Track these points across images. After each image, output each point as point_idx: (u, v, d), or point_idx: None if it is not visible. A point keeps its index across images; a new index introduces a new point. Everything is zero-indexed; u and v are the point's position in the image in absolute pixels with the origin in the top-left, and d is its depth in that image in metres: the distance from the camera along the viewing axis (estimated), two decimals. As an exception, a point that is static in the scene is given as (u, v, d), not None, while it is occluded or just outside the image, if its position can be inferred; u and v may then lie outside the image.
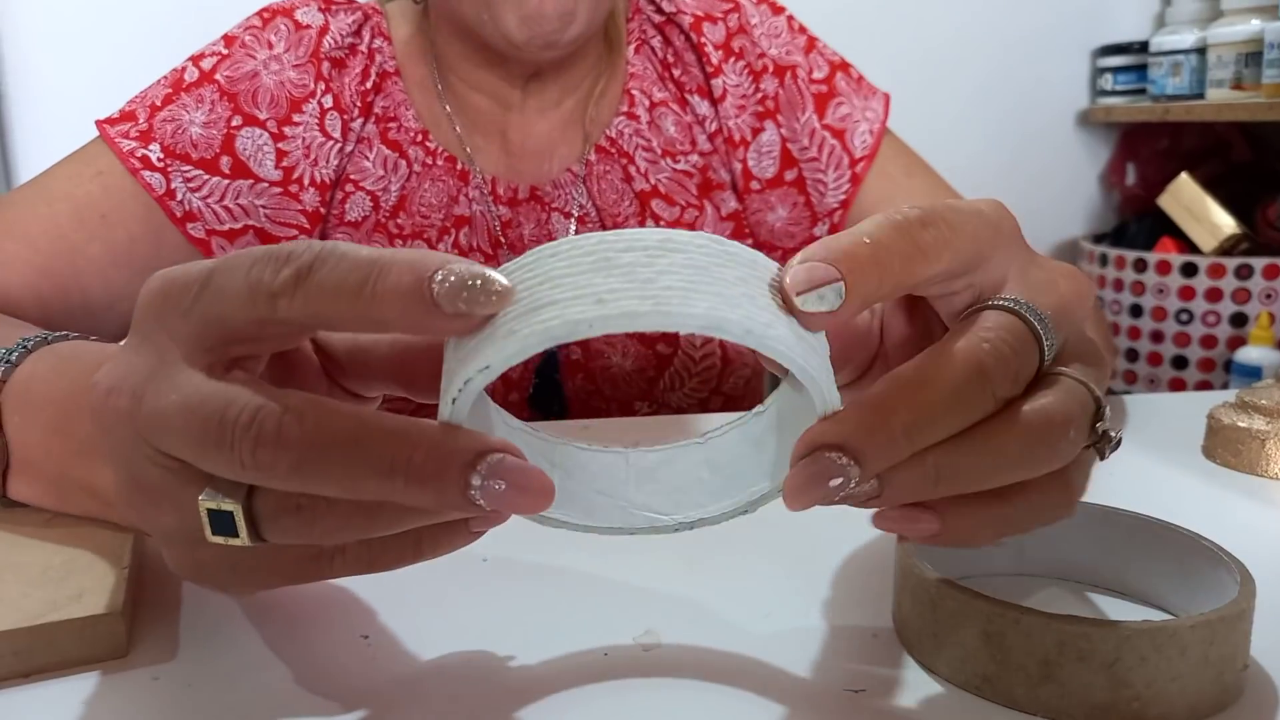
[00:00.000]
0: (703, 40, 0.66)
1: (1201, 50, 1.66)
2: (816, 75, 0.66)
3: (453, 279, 0.22)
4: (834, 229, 0.66)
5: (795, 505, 0.23)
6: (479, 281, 0.22)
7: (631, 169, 0.65)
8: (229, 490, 0.24)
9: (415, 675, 0.29)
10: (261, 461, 0.22)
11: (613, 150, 0.65)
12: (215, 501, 0.24)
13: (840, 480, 0.23)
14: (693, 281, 0.22)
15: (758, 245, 0.68)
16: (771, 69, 0.66)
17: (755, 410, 0.29)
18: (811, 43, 0.68)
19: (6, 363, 0.36)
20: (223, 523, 0.24)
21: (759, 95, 0.66)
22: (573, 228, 0.64)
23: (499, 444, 0.22)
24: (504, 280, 0.22)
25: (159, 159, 0.58)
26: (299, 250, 0.23)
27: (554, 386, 0.65)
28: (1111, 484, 0.45)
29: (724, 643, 0.30)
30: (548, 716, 0.27)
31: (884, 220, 0.25)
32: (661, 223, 0.65)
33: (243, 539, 0.24)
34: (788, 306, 0.23)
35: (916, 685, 0.28)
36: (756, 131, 0.66)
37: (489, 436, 0.23)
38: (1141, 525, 0.32)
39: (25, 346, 0.37)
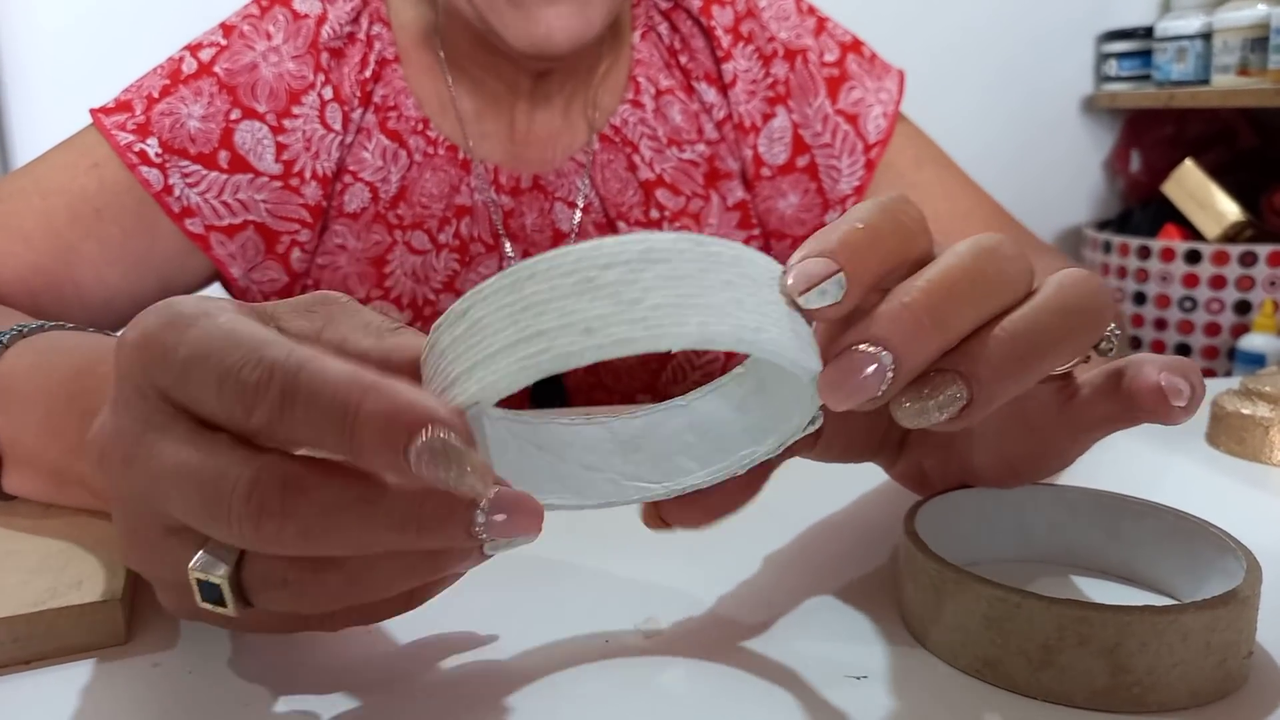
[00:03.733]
0: (713, 24, 0.65)
1: (1207, 36, 1.65)
2: (828, 58, 0.65)
3: (437, 457, 0.21)
4: None
5: (836, 402, 0.24)
6: (458, 469, 0.21)
7: (636, 158, 0.64)
8: (222, 556, 0.24)
9: (416, 662, 0.29)
10: (266, 535, 0.22)
11: (617, 139, 0.64)
12: (204, 573, 0.24)
13: (874, 368, 0.24)
14: (680, 296, 0.22)
15: (767, 233, 0.67)
16: (782, 53, 0.65)
17: (735, 373, 0.29)
18: (821, 24, 0.67)
19: None
20: (211, 592, 0.24)
21: (769, 80, 0.65)
22: (576, 217, 0.64)
23: (494, 478, 0.23)
24: (479, 464, 0.21)
25: (157, 154, 0.58)
26: (263, 380, 0.22)
27: (554, 379, 0.65)
28: (1115, 470, 0.44)
29: (725, 629, 0.30)
30: (549, 703, 0.27)
31: (872, 205, 0.26)
32: (666, 213, 0.64)
33: (230, 610, 0.24)
34: (792, 301, 0.23)
35: (919, 671, 0.28)
36: (767, 117, 0.65)
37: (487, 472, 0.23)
38: (1149, 511, 0.32)
39: (2, 342, 0.37)
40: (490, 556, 0.25)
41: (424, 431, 0.21)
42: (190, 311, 0.24)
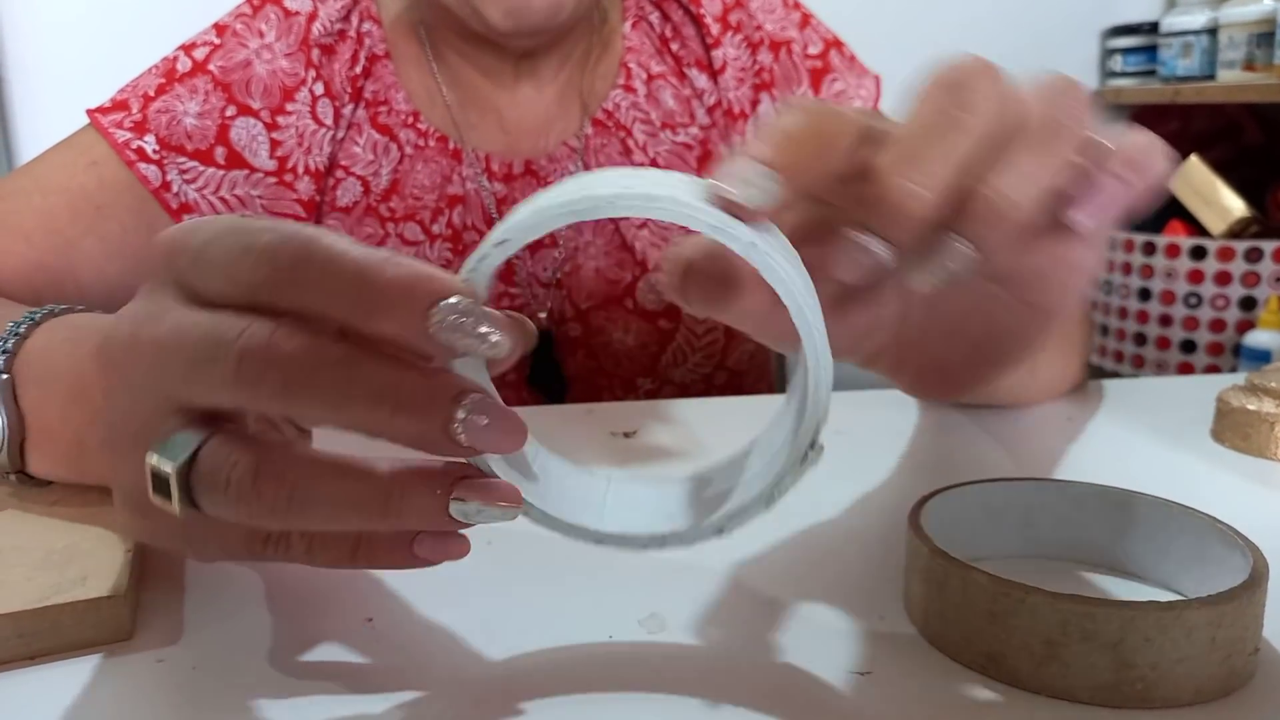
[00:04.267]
0: (702, 12, 0.66)
1: (1213, 31, 1.64)
2: (811, 51, 0.67)
3: (461, 317, 0.22)
4: None
5: (842, 272, 0.25)
6: (489, 327, 0.23)
7: (630, 142, 0.64)
8: (179, 447, 0.24)
9: (418, 658, 0.29)
10: (246, 374, 0.23)
11: (610, 123, 0.64)
12: (159, 460, 0.24)
13: (869, 253, 0.25)
14: (675, 183, 0.24)
15: None
16: (767, 43, 0.66)
17: (743, 448, 0.29)
18: (806, 19, 0.68)
19: (15, 335, 0.36)
20: (161, 486, 0.24)
21: (756, 68, 0.66)
22: None
23: (483, 387, 0.23)
24: (503, 321, 0.23)
25: (154, 150, 0.58)
26: (271, 244, 0.23)
27: (553, 365, 0.65)
28: (1119, 466, 0.44)
29: (729, 625, 0.30)
30: (552, 700, 0.27)
31: (790, 109, 0.27)
32: None
33: (175, 505, 0.24)
34: (727, 206, 0.24)
35: (924, 666, 0.28)
36: (755, 104, 0.66)
37: (474, 380, 0.24)
38: (1156, 508, 0.32)
39: (33, 319, 0.37)
40: (457, 537, 0.25)
41: (438, 305, 0.22)
42: (208, 216, 0.26)
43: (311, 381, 0.23)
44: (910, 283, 0.26)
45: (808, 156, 0.25)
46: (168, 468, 0.24)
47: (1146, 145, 0.27)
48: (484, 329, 0.22)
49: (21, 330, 0.37)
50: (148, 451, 0.24)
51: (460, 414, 0.23)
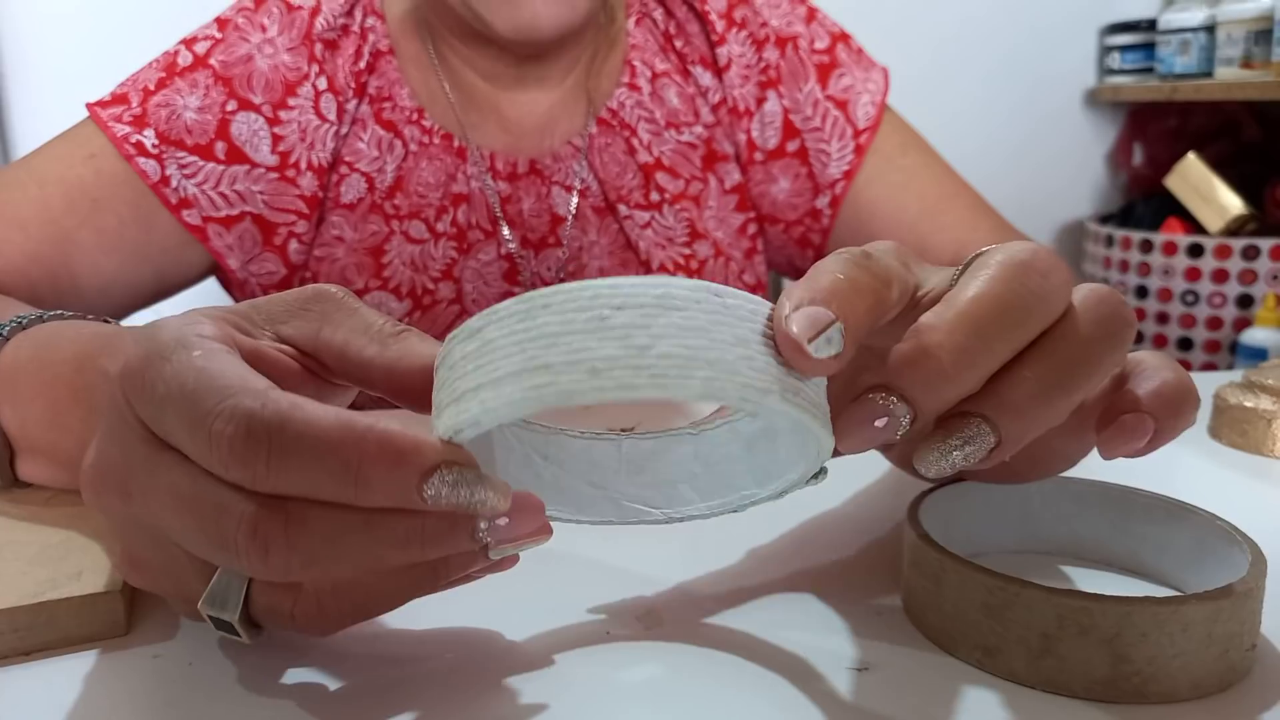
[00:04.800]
0: (707, 9, 0.65)
1: (1210, 28, 1.64)
2: (818, 45, 0.66)
3: (454, 488, 0.22)
4: (835, 201, 0.66)
5: (846, 447, 0.24)
6: (483, 492, 0.23)
7: (635, 141, 0.64)
8: (231, 591, 0.25)
9: (416, 653, 0.29)
10: (274, 567, 0.23)
11: (614, 122, 0.64)
12: (216, 611, 0.25)
13: (886, 421, 0.23)
14: (690, 348, 0.21)
15: (760, 218, 0.68)
16: (773, 39, 0.65)
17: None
18: (811, 13, 0.67)
19: None
20: (224, 626, 0.26)
21: (762, 65, 0.65)
22: (574, 201, 0.64)
23: (508, 490, 0.23)
24: (502, 488, 0.23)
25: (153, 145, 0.58)
26: (238, 438, 0.22)
27: None
28: (1116, 463, 0.44)
29: (727, 621, 0.30)
30: (550, 695, 0.27)
31: (838, 258, 0.25)
32: (666, 195, 0.64)
33: (244, 640, 0.26)
34: (791, 355, 0.22)
35: (921, 660, 0.28)
36: (760, 101, 0.65)
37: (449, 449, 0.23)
38: (1157, 504, 0.32)
39: (2, 334, 0.37)
40: (498, 561, 0.26)
41: (435, 470, 0.22)
42: (168, 342, 0.24)
43: (337, 554, 0.23)
44: (920, 463, 0.25)
45: (867, 311, 0.24)
46: (229, 617, 0.25)
47: (1182, 390, 0.27)
48: (479, 495, 0.22)
49: None
50: (199, 603, 0.25)
51: (483, 525, 0.23)
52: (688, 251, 0.65)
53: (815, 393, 0.23)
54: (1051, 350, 0.25)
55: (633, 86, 0.65)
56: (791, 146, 0.66)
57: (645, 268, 0.64)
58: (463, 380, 0.22)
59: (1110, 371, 0.26)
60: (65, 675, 0.28)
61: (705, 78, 0.66)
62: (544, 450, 0.28)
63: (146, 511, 0.24)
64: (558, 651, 0.29)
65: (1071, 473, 0.34)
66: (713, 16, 0.65)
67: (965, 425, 0.24)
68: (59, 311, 0.40)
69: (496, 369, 0.22)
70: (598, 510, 0.28)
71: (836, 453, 0.25)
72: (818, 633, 0.29)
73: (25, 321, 0.38)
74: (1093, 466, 0.37)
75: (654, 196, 0.64)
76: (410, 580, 0.25)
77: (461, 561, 0.25)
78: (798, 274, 0.71)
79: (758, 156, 0.66)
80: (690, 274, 0.65)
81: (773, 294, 1.17)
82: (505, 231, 0.63)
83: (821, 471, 0.26)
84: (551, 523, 0.27)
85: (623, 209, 0.64)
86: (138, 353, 0.25)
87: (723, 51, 0.65)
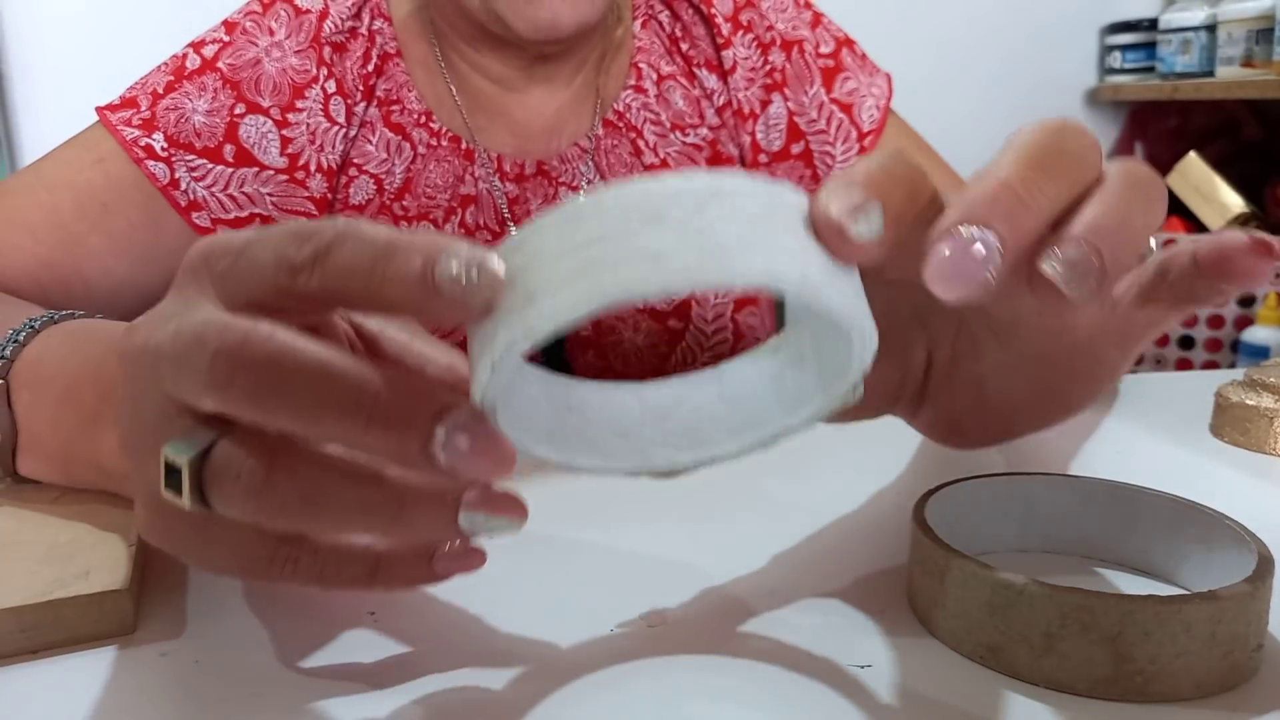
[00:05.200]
0: (713, 11, 0.66)
1: (1211, 27, 1.64)
2: (823, 50, 0.66)
3: (453, 265, 0.21)
4: None
5: (947, 291, 0.22)
6: (475, 271, 0.21)
7: (640, 143, 0.65)
8: (193, 443, 0.24)
9: (421, 652, 0.29)
10: (217, 376, 0.22)
11: (620, 124, 0.65)
12: (174, 453, 0.24)
13: (982, 250, 0.22)
14: (747, 234, 0.21)
15: None
16: (779, 42, 0.66)
17: (770, 343, 0.28)
18: (817, 18, 0.68)
19: (14, 343, 0.37)
20: (173, 480, 0.24)
21: (767, 68, 0.66)
22: None
23: (469, 404, 0.22)
24: (498, 269, 0.21)
25: (163, 148, 0.58)
26: (324, 229, 0.23)
27: (561, 364, 0.65)
28: (1119, 462, 0.45)
29: (732, 619, 0.30)
30: (556, 695, 0.27)
31: (870, 158, 0.25)
32: None
33: (185, 499, 0.24)
34: (830, 238, 0.22)
35: (925, 657, 0.28)
36: (765, 104, 0.66)
37: (455, 393, 0.22)
38: (1163, 503, 0.32)
39: (33, 326, 0.38)
40: (475, 550, 0.25)
41: (447, 251, 0.21)
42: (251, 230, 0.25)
43: (283, 385, 0.22)
44: (1043, 265, 0.23)
45: (903, 198, 0.23)
46: (181, 460, 0.23)
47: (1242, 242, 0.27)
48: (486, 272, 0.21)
49: (21, 338, 0.37)
50: (163, 446, 0.24)
51: (440, 433, 0.21)
52: None
53: (860, 289, 0.23)
54: (1105, 190, 0.25)
55: (639, 89, 0.65)
56: (796, 149, 0.66)
57: None
58: (513, 295, 0.21)
59: (1158, 216, 0.26)
60: (73, 674, 0.28)
61: (710, 80, 0.66)
62: (569, 401, 0.28)
63: (155, 343, 0.24)
64: (561, 650, 0.29)
65: (1077, 471, 0.34)
66: (719, 19, 0.65)
67: (1069, 248, 0.23)
68: (87, 313, 0.40)
69: (551, 275, 0.21)
70: (626, 459, 0.27)
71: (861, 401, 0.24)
72: (822, 630, 0.30)
73: (58, 317, 0.38)
74: (1097, 465, 0.37)
75: None
76: (360, 499, 0.23)
77: (421, 513, 0.23)
78: None
79: (762, 159, 0.66)
80: None
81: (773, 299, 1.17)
82: (513, 233, 0.64)
83: (858, 386, 0.25)
84: (566, 494, 0.27)
85: None
86: (214, 238, 0.25)
87: (728, 54, 0.65)
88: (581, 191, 0.64)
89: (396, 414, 0.22)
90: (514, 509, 0.24)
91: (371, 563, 0.26)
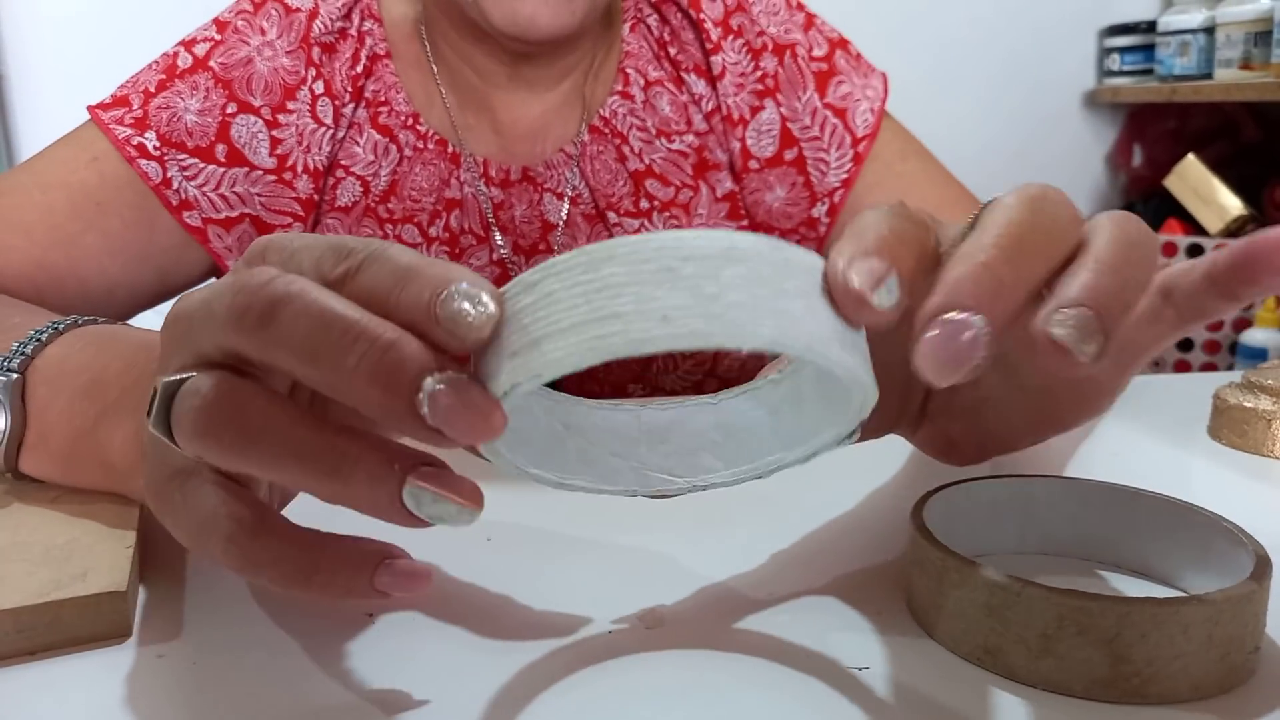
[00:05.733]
0: (702, 16, 0.65)
1: (1210, 30, 1.65)
2: (816, 53, 0.66)
3: (454, 301, 0.22)
4: (833, 209, 0.66)
5: (941, 377, 0.22)
6: (474, 308, 0.22)
7: (625, 149, 0.64)
8: (175, 378, 0.25)
9: (419, 653, 0.29)
10: (235, 309, 0.23)
11: (606, 130, 0.64)
12: (159, 382, 0.25)
13: (970, 334, 0.22)
14: (757, 298, 0.21)
15: (755, 226, 0.68)
16: (771, 47, 0.65)
17: (771, 378, 0.28)
18: (810, 20, 0.67)
19: (36, 341, 0.37)
20: (150, 406, 0.25)
21: (758, 74, 0.65)
22: (565, 209, 0.64)
23: (460, 364, 0.23)
24: (494, 311, 0.22)
25: (155, 147, 0.58)
26: (357, 249, 0.24)
27: None
28: (1116, 464, 0.45)
29: (729, 620, 0.30)
30: (553, 694, 0.27)
31: (878, 212, 0.25)
32: (656, 203, 0.64)
33: (151, 418, 0.25)
34: (848, 306, 0.22)
35: (923, 659, 0.28)
36: (756, 110, 0.65)
37: (452, 360, 0.23)
38: (1162, 505, 0.32)
39: (56, 328, 0.38)
40: (421, 571, 0.25)
41: (453, 286, 0.22)
42: (315, 234, 0.27)
43: (290, 322, 0.23)
44: (1044, 327, 0.23)
45: (914, 262, 0.24)
46: (158, 384, 0.25)
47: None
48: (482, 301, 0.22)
49: (44, 338, 0.37)
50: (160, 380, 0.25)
51: (428, 384, 0.22)
52: None
53: (864, 346, 0.24)
54: (1098, 249, 0.25)
55: (625, 94, 0.65)
56: (789, 155, 0.66)
57: None
58: (520, 335, 0.22)
59: (1150, 272, 0.26)
60: (70, 675, 0.28)
61: (699, 86, 0.65)
62: (566, 419, 0.28)
63: (185, 311, 0.26)
64: (558, 651, 0.29)
65: (1075, 473, 0.34)
66: (708, 25, 0.65)
67: (1078, 316, 0.23)
68: (108, 319, 0.41)
69: (560, 320, 0.21)
70: (622, 480, 0.28)
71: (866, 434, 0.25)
72: (820, 631, 0.30)
73: (83, 321, 0.39)
74: (1095, 467, 0.37)
75: (643, 204, 0.64)
76: (306, 445, 0.23)
77: (364, 476, 0.23)
78: None
79: (753, 164, 0.66)
80: None
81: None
82: (497, 238, 0.64)
83: (855, 432, 0.26)
84: (575, 493, 0.27)
85: (612, 216, 0.64)
86: (275, 236, 0.27)
87: (717, 60, 0.65)
88: (618, 235, 0.64)
89: (388, 363, 0.22)
90: (467, 494, 0.23)
91: (310, 562, 0.25)
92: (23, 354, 0.37)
